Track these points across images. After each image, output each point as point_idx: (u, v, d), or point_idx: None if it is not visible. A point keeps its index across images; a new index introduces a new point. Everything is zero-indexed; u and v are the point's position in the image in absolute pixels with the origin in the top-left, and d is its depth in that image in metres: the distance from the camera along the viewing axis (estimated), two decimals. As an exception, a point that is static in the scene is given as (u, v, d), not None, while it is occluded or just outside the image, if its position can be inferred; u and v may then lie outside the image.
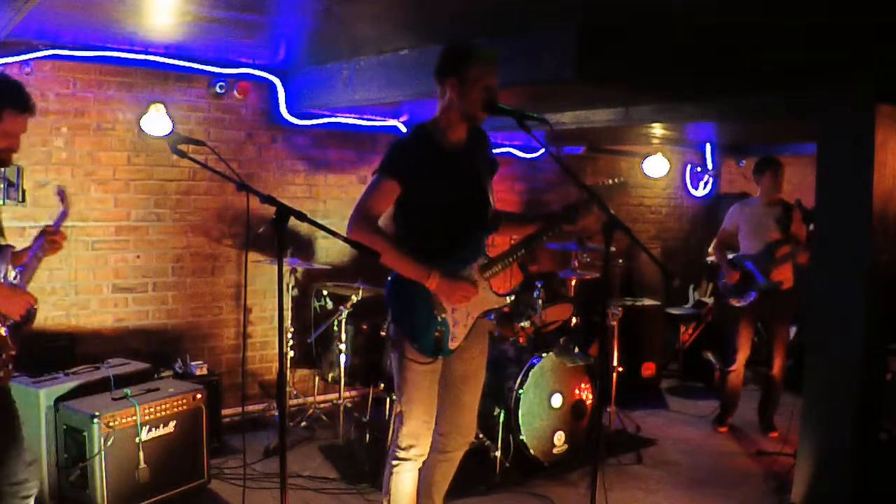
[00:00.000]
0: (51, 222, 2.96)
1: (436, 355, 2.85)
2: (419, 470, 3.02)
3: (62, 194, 3.11)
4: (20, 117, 2.62)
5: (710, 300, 6.96)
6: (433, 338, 2.84)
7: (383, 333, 4.50)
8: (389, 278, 2.87)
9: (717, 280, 5.58)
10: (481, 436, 4.28)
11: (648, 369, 6.15)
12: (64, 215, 3.06)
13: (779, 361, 5.19)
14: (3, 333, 2.67)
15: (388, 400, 4.69)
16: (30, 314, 2.78)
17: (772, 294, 5.07)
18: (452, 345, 2.89)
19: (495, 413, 4.26)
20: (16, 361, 2.74)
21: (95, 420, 3.43)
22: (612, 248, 2.76)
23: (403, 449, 2.92)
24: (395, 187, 2.77)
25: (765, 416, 5.31)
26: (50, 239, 2.90)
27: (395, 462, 2.95)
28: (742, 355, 5.28)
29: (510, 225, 3.18)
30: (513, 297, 3.09)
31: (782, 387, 5.27)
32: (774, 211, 5.14)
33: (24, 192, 4.28)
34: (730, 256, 5.38)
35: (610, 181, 3.00)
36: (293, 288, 5.02)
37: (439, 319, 2.84)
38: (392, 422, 2.95)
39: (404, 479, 2.96)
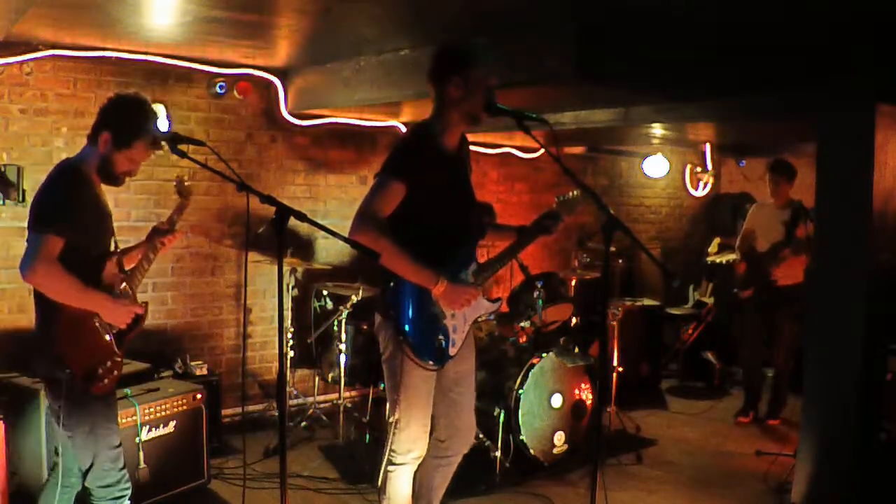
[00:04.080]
0: (162, 218, 2.95)
1: (439, 362, 2.85)
2: (416, 474, 3.01)
3: (181, 185, 3.03)
4: (148, 151, 2.71)
5: (710, 300, 6.97)
6: (436, 345, 2.83)
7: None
8: (391, 284, 2.81)
9: (717, 279, 5.74)
10: (481, 436, 4.28)
11: (647, 369, 6.15)
12: (181, 210, 2.99)
13: (781, 355, 5.39)
14: (108, 340, 2.69)
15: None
16: (135, 321, 2.79)
17: (773, 289, 5.27)
18: (453, 351, 2.88)
19: (495, 413, 4.26)
20: (121, 367, 2.77)
21: (95, 420, 3.42)
22: (612, 248, 2.77)
23: (402, 454, 2.91)
24: (402, 189, 2.71)
25: (772, 406, 5.51)
26: (161, 240, 2.90)
27: (391, 468, 2.94)
28: (750, 349, 5.56)
29: (493, 233, 3.24)
30: (501, 303, 3.13)
31: (787, 380, 5.43)
32: (784, 213, 5.30)
33: (24, 192, 4.28)
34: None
35: (569, 195, 3.10)
36: (293, 288, 5.02)
37: (441, 327, 2.84)
38: (390, 428, 2.93)
39: (403, 481, 2.96)
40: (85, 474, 2.70)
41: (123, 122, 2.65)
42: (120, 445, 2.76)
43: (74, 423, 2.63)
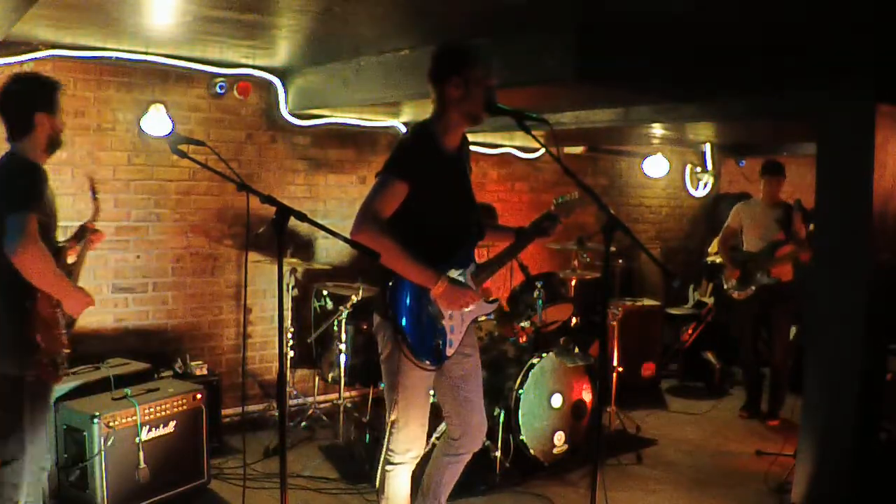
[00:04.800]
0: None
1: (436, 362, 2.85)
2: (426, 470, 3.02)
3: (93, 190, 3.15)
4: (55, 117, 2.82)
5: (710, 300, 6.98)
6: (434, 345, 2.83)
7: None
8: (390, 283, 2.80)
9: (717, 279, 5.82)
10: (481, 436, 4.28)
11: (648, 369, 6.15)
12: (97, 211, 3.10)
13: (779, 352, 5.44)
14: (63, 332, 2.73)
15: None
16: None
17: (771, 287, 5.33)
18: (450, 351, 2.89)
19: (495, 413, 4.26)
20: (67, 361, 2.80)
21: (95, 420, 3.43)
22: (612, 248, 2.77)
23: (400, 454, 2.91)
24: (405, 188, 2.71)
25: (771, 405, 5.54)
26: (90, 238, 2.97)
27: (389, 468, 2.94)
28: (747, 349, 5.61)
29: (491, 234, 3.24)
30: (497, 303, 3.13)
31: (785, 377, 5.48)
32: (776, 212, 5.37)
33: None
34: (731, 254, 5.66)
35: (567, 197, 3.11)
36: (293, 288, 5.02)
37: (439, 327, 2.84)
38: (388, 428, 2.93)
39: (401, 481, 2.96)
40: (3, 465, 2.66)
41: (44, 95, 2.76)
42: (43, 442, 2.74)
43: (21, 419, 2.62)
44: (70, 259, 2.91)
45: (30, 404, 2.63)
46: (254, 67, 5.02)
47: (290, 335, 4.95)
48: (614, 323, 5.23)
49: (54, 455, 3.58)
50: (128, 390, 3.74)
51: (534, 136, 2.71)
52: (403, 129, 5.83)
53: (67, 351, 2.76)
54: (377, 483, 3.00)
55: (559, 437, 4.45)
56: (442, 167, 2.83)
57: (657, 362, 6.26)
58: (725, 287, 5.61)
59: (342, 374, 4.81)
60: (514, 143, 6.65)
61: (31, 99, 2.74)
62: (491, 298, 3.13)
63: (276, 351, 5.39)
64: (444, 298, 2.79)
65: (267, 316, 5.40)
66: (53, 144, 2.80)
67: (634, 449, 4.82)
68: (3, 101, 2.75)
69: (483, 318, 3.11)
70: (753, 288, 5.39)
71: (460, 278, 2.87)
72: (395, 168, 2.74)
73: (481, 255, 3.08)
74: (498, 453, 4.24)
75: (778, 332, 5.44)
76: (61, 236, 2.90)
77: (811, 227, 5.05)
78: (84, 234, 2.99)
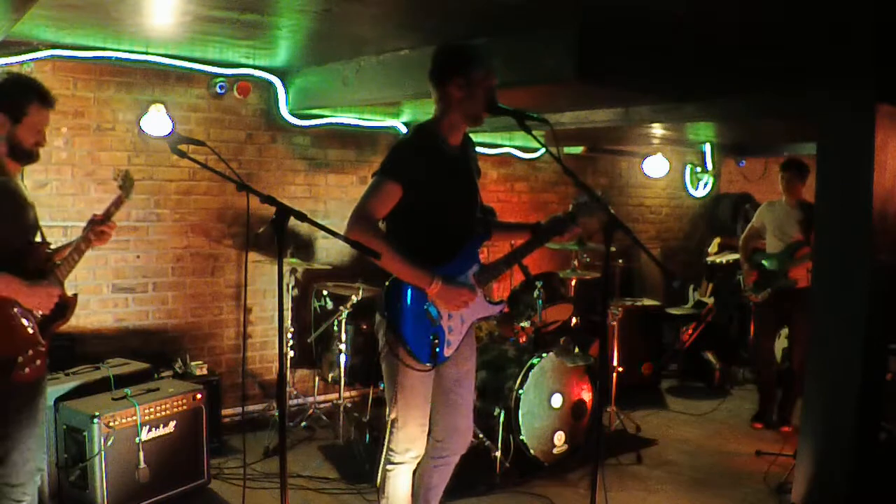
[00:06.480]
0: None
1: (432, 363, 2.84)
2: (414, 474, 3.01)
3: (125, 178, 2.99)
4: (44, 111, 2.71)
5: (710, 300, 6.98)
6: (430, 346, 2.83)
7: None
8: (387, 283, 2.81)
9: (717, 279, 5.74)
10: (481, 436, 4.28)
11: (648, 369, 6.15)
12: (119, 203, 2.96)
13: (798, 356, 5.31)
14: (30, 330, 2.65)
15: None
16: (62, 308, 2.75)
17: (789, 291, 5.22)
18: (448, 352, 2.88)
19: (495, 413, 4.26)
20: (46, 358, 2.72)
21: (95, 420, 3.43)
22: (612, 248, 2.77)
23: (400, 453, 2.91)
24: (398, 190, 2.71)
25: (782, 410, 5.44)
26: (97, 230, 2.86)
27: (390, 467, 2.94)
28: (761, 353, 5.53)
29: (500, 233, 3.21)
30: (504, 306, 3.10)
31: (800, 383, 5.36)
32: (797, 212, 5.27)
33: (24, 192, 4.27)
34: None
35: (585, 198, 3.02)
36: (293, 288, 5.02)
37: (437, 327, 2.84)
38: (387, 427, 2.93)
39: (402, 481, 2.96)
40: None
41: (8, 97, 2.66)
42: (36, 443, 2.66)
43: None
44: (61, 258, 2.81)
45: (2, 407, 2.56)
46: (254, 67, 5.03)
47: (290, 335, 4.95)
48: (614, 323, 5.23)
49: (55, 455, 3.59)
50: (128, 390, 3.74)
51: (534, 136, 2.71)
52: (403, 129, 5.84)
53: (42, 348, 2.67)
54: (377, 483, 3.00)
55: (559, 437, 4.45)
56: (442, 167, 2.82)
57: (657, 362, 6.26)
58: (742, 289, 5.54)
59: (342, 374, 4.81)
60: (514, 143, 6.65)
61: None
62: (497, 300, 3.11)
63: (276, 351, 5.39)
64: (440, 298, 2.79)
65: (267, 316, 5.40)
66: (17, 153, 2.66)
67: (634, 449, 4.82)
68: None
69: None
70: (769, 290, 5.29)
71: (462, 279, 2.87)
72: (388, 169, 2.74)
73: (481, 254, 3.06)
74: (498, 453, 4.24)
75: (799, 336, 5.26)
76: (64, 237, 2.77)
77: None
78: (86, 229, 2.86)
